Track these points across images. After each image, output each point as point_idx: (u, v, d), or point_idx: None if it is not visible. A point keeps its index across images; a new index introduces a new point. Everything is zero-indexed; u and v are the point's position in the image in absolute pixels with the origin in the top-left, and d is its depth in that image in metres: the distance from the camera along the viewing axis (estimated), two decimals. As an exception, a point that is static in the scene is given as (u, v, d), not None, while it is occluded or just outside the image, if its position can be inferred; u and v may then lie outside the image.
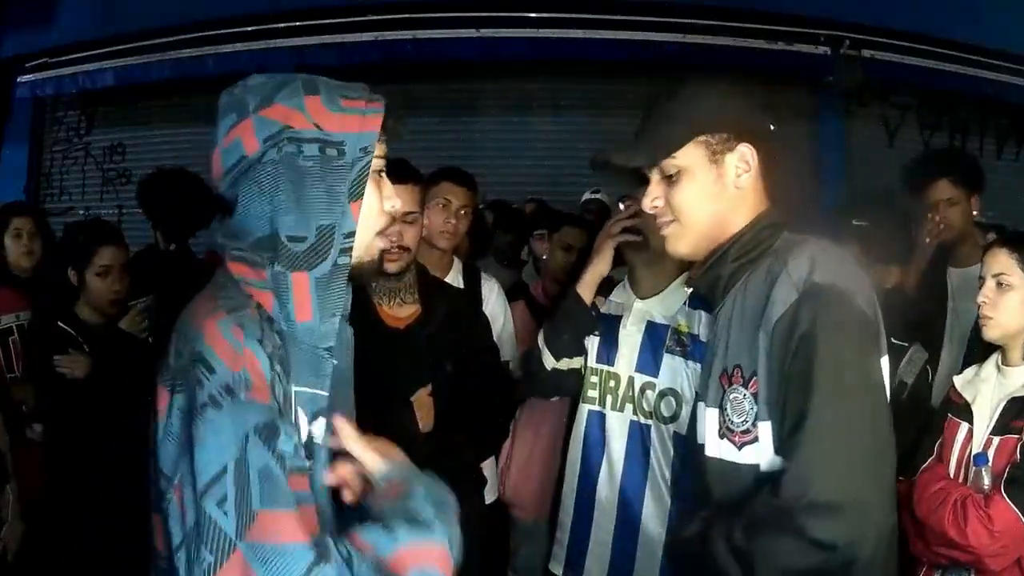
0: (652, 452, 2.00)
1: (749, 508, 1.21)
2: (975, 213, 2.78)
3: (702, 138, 1.32)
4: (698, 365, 1.98)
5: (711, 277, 1.37)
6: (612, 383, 2.08)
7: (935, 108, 5.36)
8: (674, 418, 2.00)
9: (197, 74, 5.38)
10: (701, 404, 1.40)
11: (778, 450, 1.22)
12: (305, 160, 1.04)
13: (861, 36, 4.93)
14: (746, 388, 1.27)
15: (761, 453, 1.25)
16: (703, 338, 2.01)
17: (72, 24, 5.74)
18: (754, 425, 1.25)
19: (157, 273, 3.08)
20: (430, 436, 1.94)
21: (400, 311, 2.03)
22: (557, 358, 2.07)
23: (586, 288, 2.06)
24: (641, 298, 2.10)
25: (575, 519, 2.11)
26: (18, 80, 6.00)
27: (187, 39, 5.38)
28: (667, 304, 2.07)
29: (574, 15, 5.00)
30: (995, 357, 1.93)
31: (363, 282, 1.19)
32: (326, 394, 1.08)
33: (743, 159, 1.32)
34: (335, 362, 1.09)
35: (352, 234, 1.06)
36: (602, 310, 2.17)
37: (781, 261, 1.26)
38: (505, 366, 2.80)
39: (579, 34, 4.99)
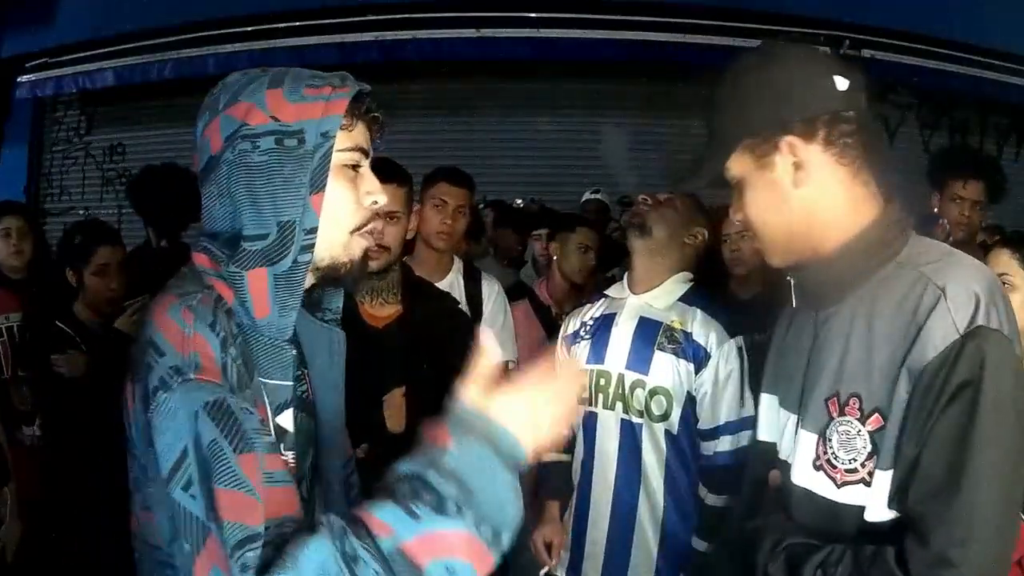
0: (643, 451, 2.01)
1: (845, 565, 1.05)
2: (985, 219, 2.82)
3: (746, 142, 1.14)
4: (690, 364, 1.99)
5: (820, 279, 1.17)
6: (603, 381, 2.08)
7: (935, 108, 5.36)
8: (665, 417, 2.00)
9: (197, 74, 5.38)
10: (790, 416, 1.23)
11: (894, 503, 1.06)
12: (261, 155, 0.98)
13: (861, 36, 4.93)
14: (863, 424, 1.09)
15: (869, 497, 1.08)
16: (696, 337, 2.01)
17: (72, 24, 5.75)
18: (862, 466, 1.09)
19: (150, 270, 3.07)
20: (401, 438, 1.91)
21: (381, 310, 2.03)
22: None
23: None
24: (636, 293, 2.10)
25: (573, 519, 2.11)
26: (18, 80, 6.00)
27: (187, 39, 5.38)
28: (662, 299, 2.08)
29: (574, 15, 5.00)
30: None
31: (348, 286, 1.12)
32: (290, 384, 1.05)
33: (792, 154, 1.12)
34: (294, 352, 1.07)
35: (314, 230, 1.00)
36: (595, 313, 2.17)
37: (931, 283, 1.06)
38: (503, 367, 2.80)
39: (579, 34, 5.00)
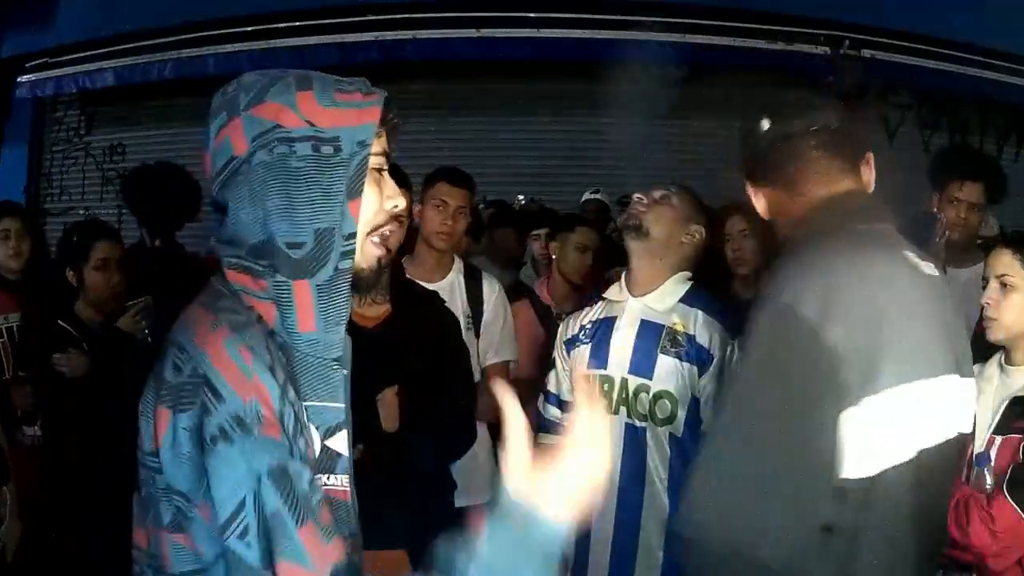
0: (648, 455, 2.00)
1: None
2: (988, 222, 2.82)
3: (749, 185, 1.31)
4: (693, 367, 1.98)
5: None
6: (606, 386, 2.07)
7: (935, 108, 5.36)
8: (670, 420, 1.99)
9: (197, 74, 5.38)
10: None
11: None
12: (298, 160, 0.96)
13: (861, 36, 4.93)
14: None
15: None
16: (699, 339, 2.01)
17: (72, 24, 5.74)
18: None
19: (145, 270, 3.06)
20: (394, 436, 1.93)
21: (370, 311, 2.04)
22: None
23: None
24: (636, 295, 2.10)
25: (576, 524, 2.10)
26: (18, 80, 6.00)
27: (187, 39, 5.38)
28: (663, 301, 2.07)
29: (574, 15, 5.00)
30: (997, 357, 1.93)
31: (362, 291, 1.11)
32: (341, 406, 1.03)
33: (753, 195, 1.31)
34: (345, 372, 1.05)
35: (353, 236, 0.98)
36: (594, 316, 2.17)
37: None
38: (504, 367, 2.80)
39: (579, 34, 4.99)
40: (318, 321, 0.98)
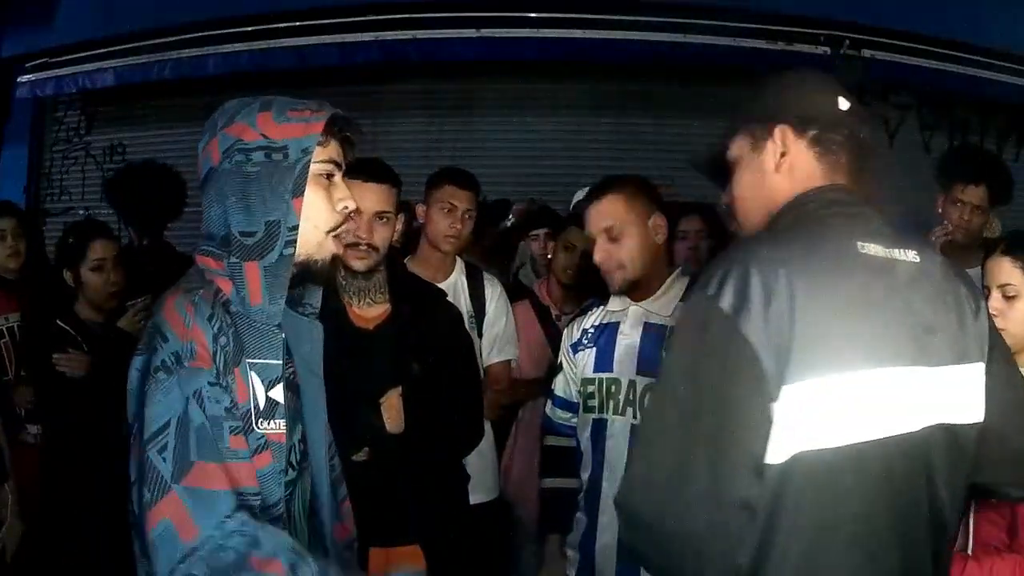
0: None
1: None
2: (991, 224, 2.80)
3: (747, 127, 1.29)
4: None
5: None
6: (612, 388, 2.08)
7: (935, 108, 5.36)
8: None
9: (197, 74, 5.38)
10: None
11: None
12: (252, 166, 1.20)
13: (861, 36, 4.93)
14: None
15: None
16: None
17: (72, 24, 5.74)
18: None
19: (138, 269, 3.05)
20: (400, 437, 1.92)
21: (369, 311, 2.03)
22: None
23: None
24: (636, 300, 2.10)
25: (585, 524, 2.10)
26: (18, 80, 6.00)
27: (187, 39, 5.38)
28: (663, 303, 2.08)
29: (574, 15, 4.99)
30: None
31: (320, 281, 1.33)
32: (279, 362, 1.24)
33: (778, 140, 1.26)
34: (282, 335, 1.26)
35: (295, 228, 1.21)
36: (596, 321, 2.17)
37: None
38: (506, 365, 2.81)
39: (579, 34, 4.99)
40: (264, 295, 1.22)
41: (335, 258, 1.30)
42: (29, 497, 2.65)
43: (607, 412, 2.08)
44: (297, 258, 1.23)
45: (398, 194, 2.05)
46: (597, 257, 2.05)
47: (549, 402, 2.31)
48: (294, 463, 1.29)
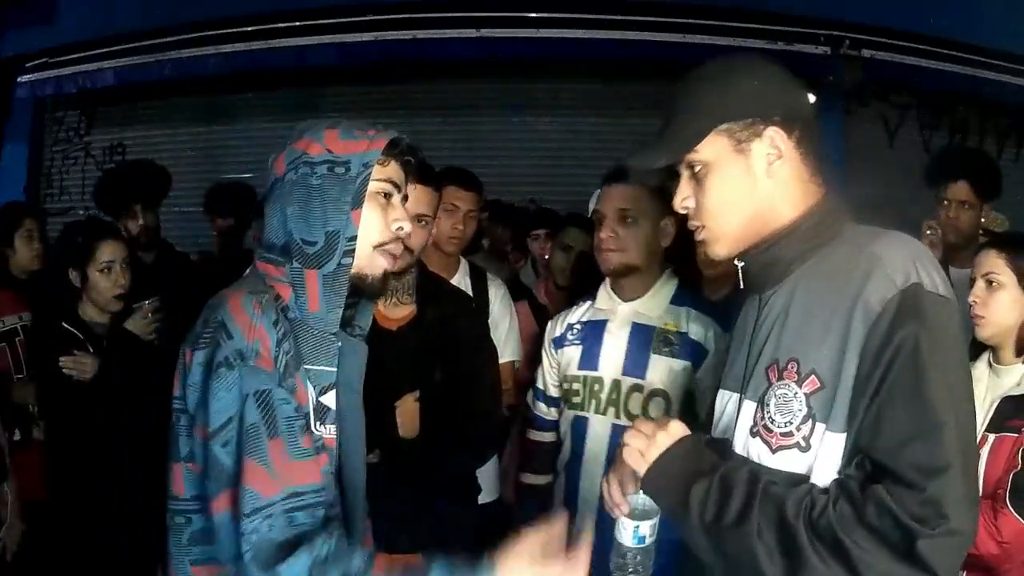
0: None
1: (833, 497, 1.05)
2: (984, 219, 2.78)
3: (724, 127, 1.20)
4: (688, 363, 2.00)
5: (765, 260, 1.23)
6: (596, 387, 2.08)
7: (935, 108, 5.36)
8: (665, 416, 2.00)
9: (197, 74, 5.38)
10: (731, 395, 1.27)
11: (857, 464, 1.07)
12: (316, 179, 1.24)
13: (861, 36, 4.92)
14: (799, 386, 1.12)
15: (809, 463, 1.10)
16: (693, 335, 2.01)
17: (72, 24, 5.74)
18: (797, 429, 1.12)
19: (136, 270, 3.06)
20: (414, 443, 1.89)
21: (395, 312, 2.00)
22: None
23: None
24: (625, 301, 2.09)
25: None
26: (18, 80, 5.99)
27: (187, 39, 5.38)
28: (652, 304, 2.07)
29: (574, 15, 4.99)
30: (986, 355, 1.95)
31: (370, 296, 1.35)
32: (334, 370, 1.30)
33: (772, 144, 1.19)
34: (339, 344, 1.30)
35: (353, 238, 1.25)
36: (582, 317, 2.16)
37: (869, 251, 1.12)
38: (509, 366, 2.80)
39: (579, 34, 4.99)
40: (322, 303, 1.25)
41: (385, 275, 1.33)
42: (32, 497, 2.65)
43: (588, 410, 2.08)
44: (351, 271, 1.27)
45: (439, 198, 2.02)
46: (602, 234, 2.02)
47: (531, 394, 2.31)
48: (334, 469, 1.33)
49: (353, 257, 1.25)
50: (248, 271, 1.33)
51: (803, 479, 1.11)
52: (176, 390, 1.23)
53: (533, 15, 5.02)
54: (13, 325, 3.00)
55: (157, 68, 5.50)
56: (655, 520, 1.27)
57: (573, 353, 2.13)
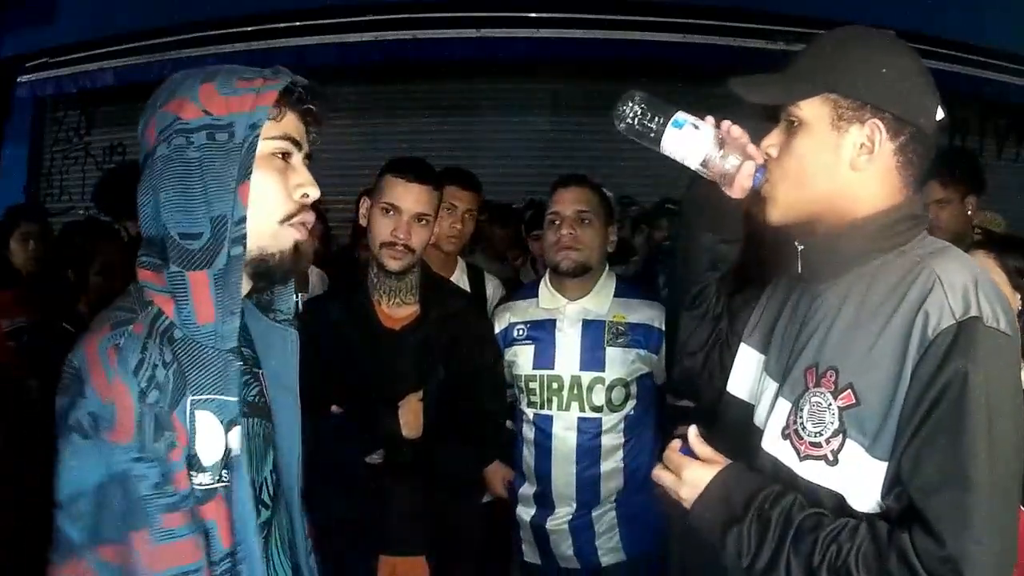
0: (603, 438, 2.11)
1: (859, 543, 1.03)
2: (970, 213, 2.75)
3: (832, 96, 1.13)
4: (642, 349, 2.09)
5: (826, 249, 1.17)
6: (555, 385, 2.13)
7: (935, 108, 5.36)
8: (624, 404, 2.11)
9: (197, 74, 5.38)
10: (772, 383, 1.23)
11: (896, 495, 1.04)
12: (195, 151, 0.98)
13: (861, 36, 4.93)
14: (834, 398, 1.09)
15: (835, 479, 1.08)
16: (642, 322, 2.11)
17: (72, 24, 5.74)
18: (827, 442, 1.09)
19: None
20: (417, 443, 1.87)
21: (398, 311, 1.99)
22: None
23: None
24: (572, 300, 2.14)
25: (535, 513, 2.19)
26: (18, 80, 6.00)
27: (187, 39, 5.38)
28: (599, 300, 2.14)
29: (574, 15, 5.00)
30: None
31: (280, 280, 1.10)
32: (235, 399, 1.02)
33: (869, 137, 1.12)
34: (239, 364, 1.05)
35: (243, 220, 0.98)
36: (532, 317, 2.18)
37: (929, 268, 1.06)
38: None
39: (579, 34, 4.99)
40: (216, 311, 0.98)
41: (296, 248, 1.06)
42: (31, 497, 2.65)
43: (551, 408, 2.12)
44: (248, 254, 1.01)
45: (440, 197, 2.02)
46: (564, 230, 2.09)
47: None
48: (267, 500, 1.11)
49: (244, 245, 0.99)
50: (132, 285, 1.06)
51: (833, 496, 1.09)
52: None
53: (533, 15, 5.02)
54: (21, 324, 3.01)
55: (157, 68, 5.50)
56: None
57: (524, 352, 2.16)
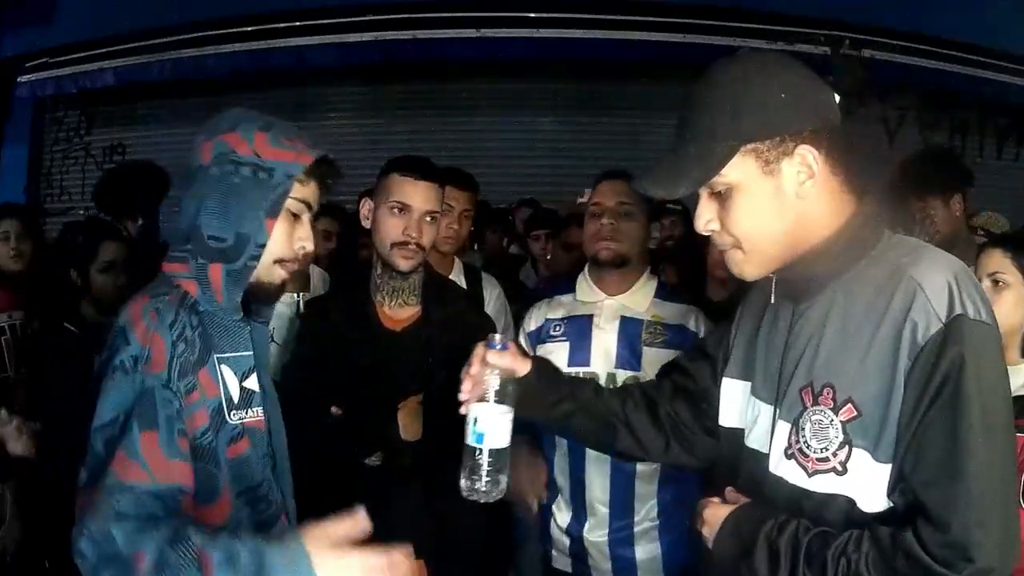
0: None
1: (865, 552, 1.07)
2: (959, 212, 2.74)
3: (750, 147, 1.11)
4: (678, 351, 1.98)
5: (800, 275, 1.18)
6: None
7: (935, 108, 5.36)
8: None
9: (197, 74, 5.38)
10: (764, 406, 1.25)
11: (900, 492, 1.08)
12: (238, 179, 1.28)
13: (861, 36, 4.93)
14: (835, 414, 1.11)
15: (846, 486, 1.11)
16: (679, 323, 2.07)
17: (72, 24, 5.75)
18: (834, 455, 1.11)
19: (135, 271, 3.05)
20: (416, 446, 1.86)
21: (400, 312, 1.97)
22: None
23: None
24: (611, 295, 2.11)
25: (571, 517, 2.11)
26: (18, 80, 6.00)
27: (187, 39, 5.38)
28: (639, 298, 2.10)
29: (574, 15, 5.00)
30: None
31: (265, 300, 1.39)
32: (250, 353, 1.37)
33: (804, 163, 1.11)
34: (249, 328, 1.38)
35: (263, 245, 1.29)
36: (569, 312, 2.16)
37: (908, 276, 1.08)
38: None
39: (579, 34, 5.00)
40: (224, 295, 1.31)
41: (282, 284, 1.37)
42: (29, 496, 2.65)
43: None
44: (252, 277, 1.33)
45: (443, 194, 2.01)
46: (604, 220, 2.06)
47: None
48: (267, 450, 1.39)
49: (259, 261, 1.30)
50: (159, 276, 1.35)
51: (841, 500, 1.12)
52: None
53: (533, 15, 5.02)
54: (1, 324, 2.99)
55: (157, 68, 5.51)
56: (499, 419, 1.27)
57: (559, 349, 2.12)
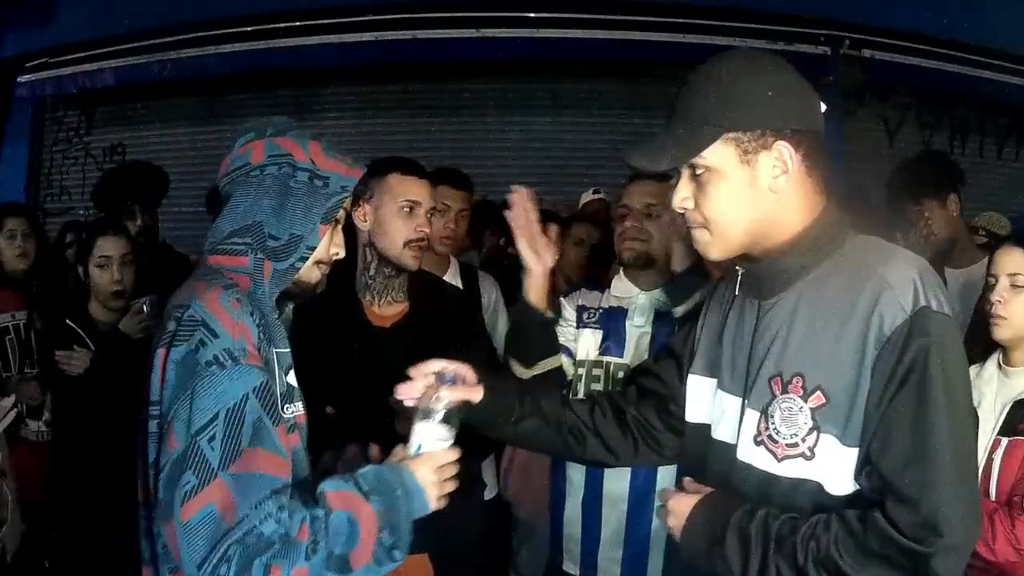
0: None
1: (834, 533, 1.11)
2: (955, 211, 2.74)
3: (732, 135, 1.17)
4: None
5: (766, 270, 1.25)
6: (621, 375, 2.08)
7: (935, 108, 5.36)
8: None
9: (197, 74, 5.38)
10: (732, 399, 1.29)
11: (867, 475, 1.13)
12: (296, 183, 1.34)
13: (861, 36, 4.93)
14: (805, 401, 1.17)
15: (814, 470, 1.16)
16: None
17: (72, 24, 5.74)
18: (803, 440, 1.16)
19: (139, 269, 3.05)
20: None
21: (388, 309, 2.00)
22: (529, 367, 1.99)
23: (532, 293, 1.94)
24: (644, 290, 2.11)
25: (584, 515, 2.10)
26: (18, 80, 5.99)
27: (187, 39, 5.38)
28: (673, 294, 2.09)
29: (574, 15, 5.00)
30: (995, 357, 1.91)
31: (296, 298, 1.45)
32: (288, 350, 1.39)
33: (780, 159, 1.18)
34: (284, 324, 1.41)
35: (314, 248, 1.36)
36: (603, 304, 2.16)
37: (877, 274, 1.14)
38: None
39: (579, 34, 4.99)
40: (268, 292, 1.35)
41: (315, 286, 1.45)
42: (30, 495, 2.65)
43: None
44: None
45: (431, 192, 2.05)
46: (628, 222, 2.09)
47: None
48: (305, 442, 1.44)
49: (305, 262, 1.36)
50: (198, 270, 1.37)
51: (809, 484, 1.17)
52: (152, 394, 1.23)
53: (533, 15, 5.02)
54: (5, 324, 3.00)
55: (157, 68, 5.50)
56: (438, 444, 1.36)
57: (592, 336, 2.13)
